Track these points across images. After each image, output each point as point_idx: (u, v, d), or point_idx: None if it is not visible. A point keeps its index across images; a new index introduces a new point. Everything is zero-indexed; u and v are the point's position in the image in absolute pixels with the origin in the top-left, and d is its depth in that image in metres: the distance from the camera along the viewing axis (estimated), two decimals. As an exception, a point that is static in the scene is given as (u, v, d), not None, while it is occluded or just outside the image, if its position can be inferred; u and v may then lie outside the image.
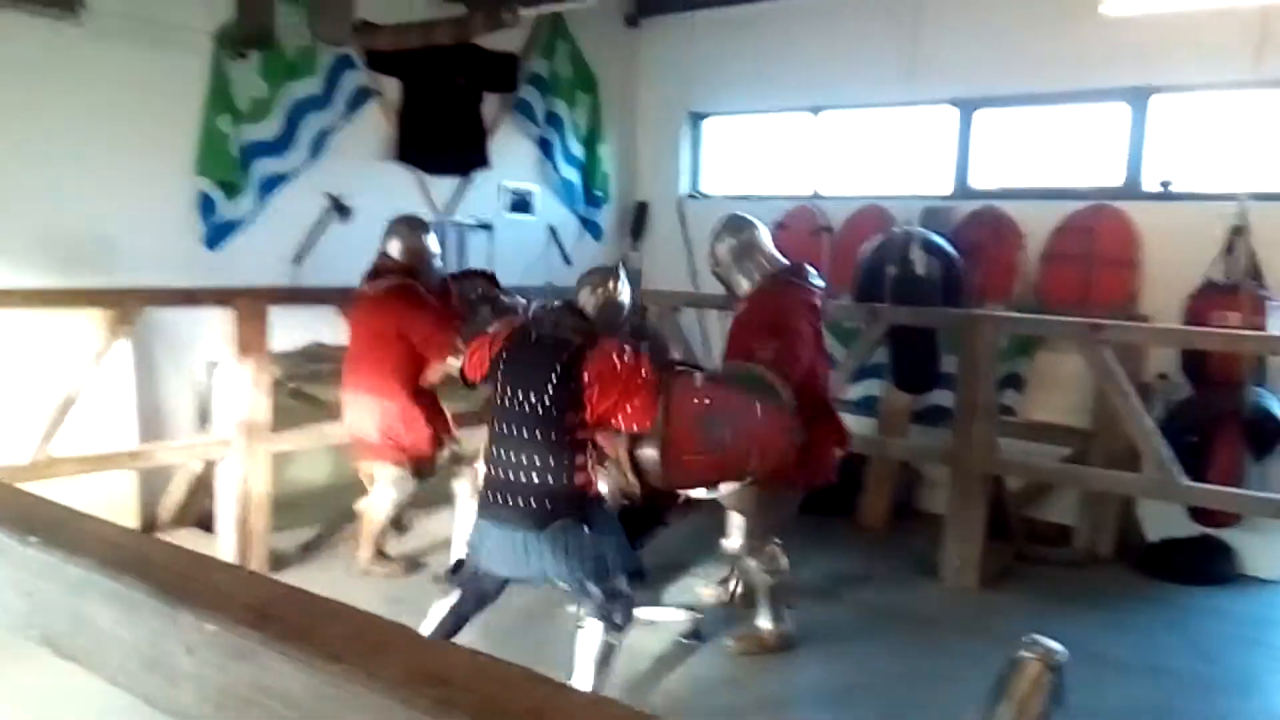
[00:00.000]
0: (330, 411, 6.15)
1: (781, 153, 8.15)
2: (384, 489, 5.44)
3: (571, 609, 4.59)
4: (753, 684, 4.40)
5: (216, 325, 5.39)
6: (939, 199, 6.91)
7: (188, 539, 5.67)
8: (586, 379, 3.66)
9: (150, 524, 5.72)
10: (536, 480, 3.68)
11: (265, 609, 0.93)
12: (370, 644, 0.88)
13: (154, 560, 1.07)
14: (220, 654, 0.94)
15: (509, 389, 3.76)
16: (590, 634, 3.81)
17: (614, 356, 3.72)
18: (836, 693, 4.32)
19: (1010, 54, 6.55)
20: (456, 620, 3.98)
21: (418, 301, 5.18)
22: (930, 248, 6.13)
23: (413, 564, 5.67)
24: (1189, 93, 6.20)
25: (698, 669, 4.50)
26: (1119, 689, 4.35)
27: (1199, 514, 5.64)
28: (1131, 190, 6.33)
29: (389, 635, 0.90)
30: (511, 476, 3.71)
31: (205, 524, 5.68)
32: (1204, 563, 5.79)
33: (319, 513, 6.19)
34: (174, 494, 5.79)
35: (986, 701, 3.32)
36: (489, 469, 3.82)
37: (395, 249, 5.37)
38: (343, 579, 5.42)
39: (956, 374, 5.59)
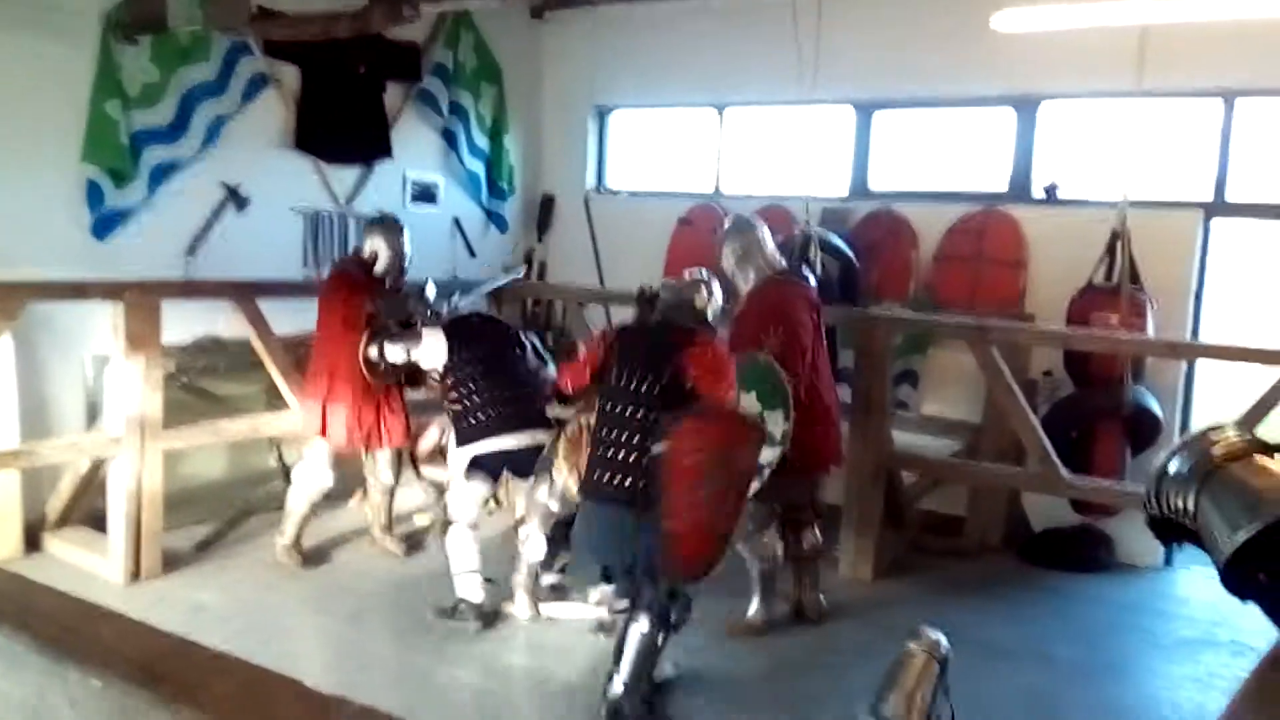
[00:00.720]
0: (225, 406, 6.04)
1: (685, 149, 8.22)
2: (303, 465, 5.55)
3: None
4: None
5: (105, 319, 5.22)
6: (838, 200, 7.06)
7: (78, 538, 5.52)
8: (695, 368, 4.00)
9: (37, 524, 5.52)
10: (635, 459, 3.95)
11: (153, 665, 0.93)
12: (259, 701, 0.89)
13: (39, 611, 1.05)
14: (107, 711, 0.94)
15: (622, 371, 4.08)
16: (641, 627, 3.96)
17: (719, 351, 4.18)
18: (730, 683, 4.41)
19: (906, 59, 6.74)
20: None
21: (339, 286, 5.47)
22: (829, 248, 6.26)
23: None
24: (1074, 100, 6.46)
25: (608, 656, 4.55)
26: (1006, 676, 4.54)
27: (1081, 505, 5.90)
28: (1019, 194, 6.58)
29: (278, 691, 0.90)
30: (618, 455, 3.99)
31: (96, 523, 5.51)
32: (1085, 551, 6.06)
33: (214, 509, 6.06)
34: (62, 493, 5.59)
35: (877, 692, 3.45)
36: (594, 449, 4.10)
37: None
38: (240, 579, 5.33)
39: (853, 370, 5.73)
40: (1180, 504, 1.32)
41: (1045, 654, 4.85)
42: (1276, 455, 1.26)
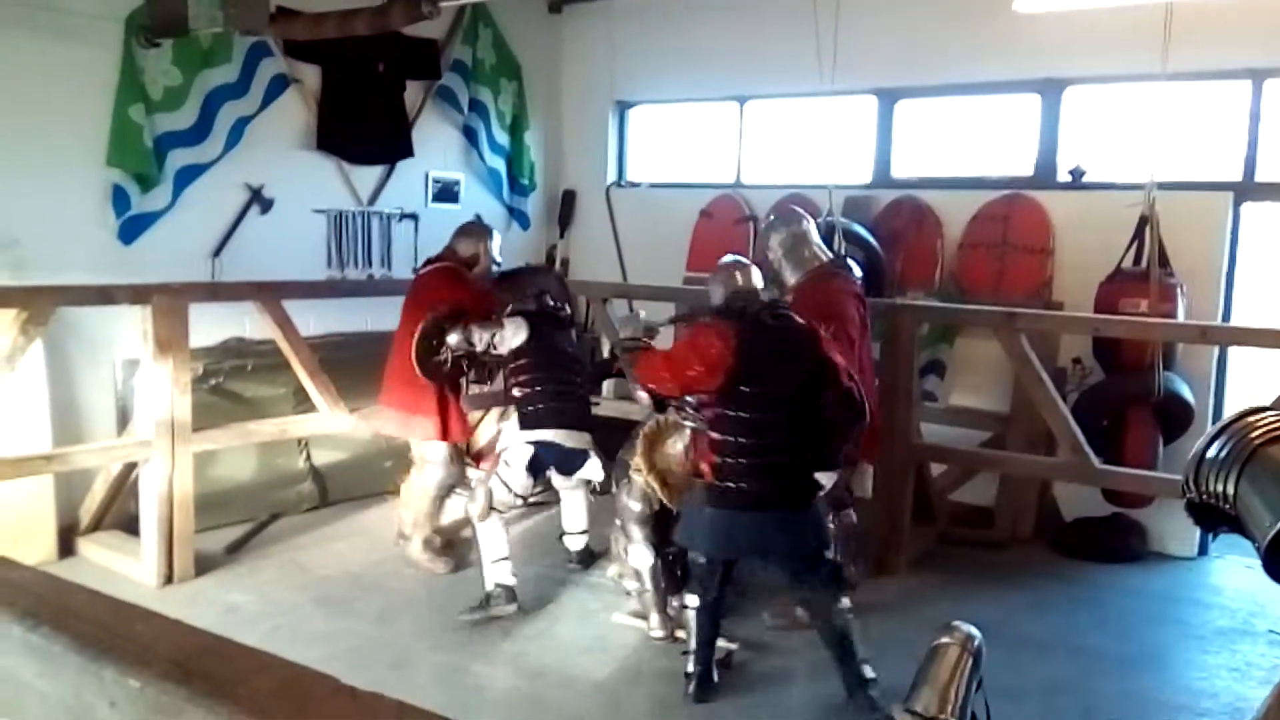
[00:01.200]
0: (253, 408, 6.08)
1: (706, 141, 8.19)
2: (421, 470, 5.62)
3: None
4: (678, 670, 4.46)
5: (134, 323, 5.27)
6: (861, 188, 7.02)
7: (111, 542, 5.58)
8: (833, 360, 4.07)
9: (71, 528, 5.59)
10: (791, 460, 4.02)
11: (189, 663, 0.93)
12: (297, 697, 0.89)
13: (75, 610, 1.06)
14: (145, 709, 0.94)
15: (758, 378, 3.99)
16: (848, 609, 4.12)
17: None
18: (763, 679, 4.40)
19: (928, 46, 6.68)
20: (714, 621, 4.22)
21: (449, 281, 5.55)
22: (852, 237, 6.23)
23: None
24: (1099, 85, 6.39)
25: (637, 655, 4.55)
26: (1038, 668, 4.50)
27: (1112, 494, 5.84)
28: (1045, 179, 6.51)
29: (315, 687, 0.90)
30: (766, 460, 3.99)
31: (128, 526, 5.57)
32: (1117, 541, 5.99)
33: (244, 511, 6.11)
34: (95, 497, 5.65)
35: (910, 687, 3.43)
36: (723, 460, 4.01)
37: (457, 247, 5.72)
38: (271, 580, 5.37)
39: (879, 361, 5.69)
40: (1220, 488, 1.30)
41: (1079, 645, 4.80)
42: (1320, 437, 1.24)
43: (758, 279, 4.39)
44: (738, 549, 4.21)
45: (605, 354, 7.48)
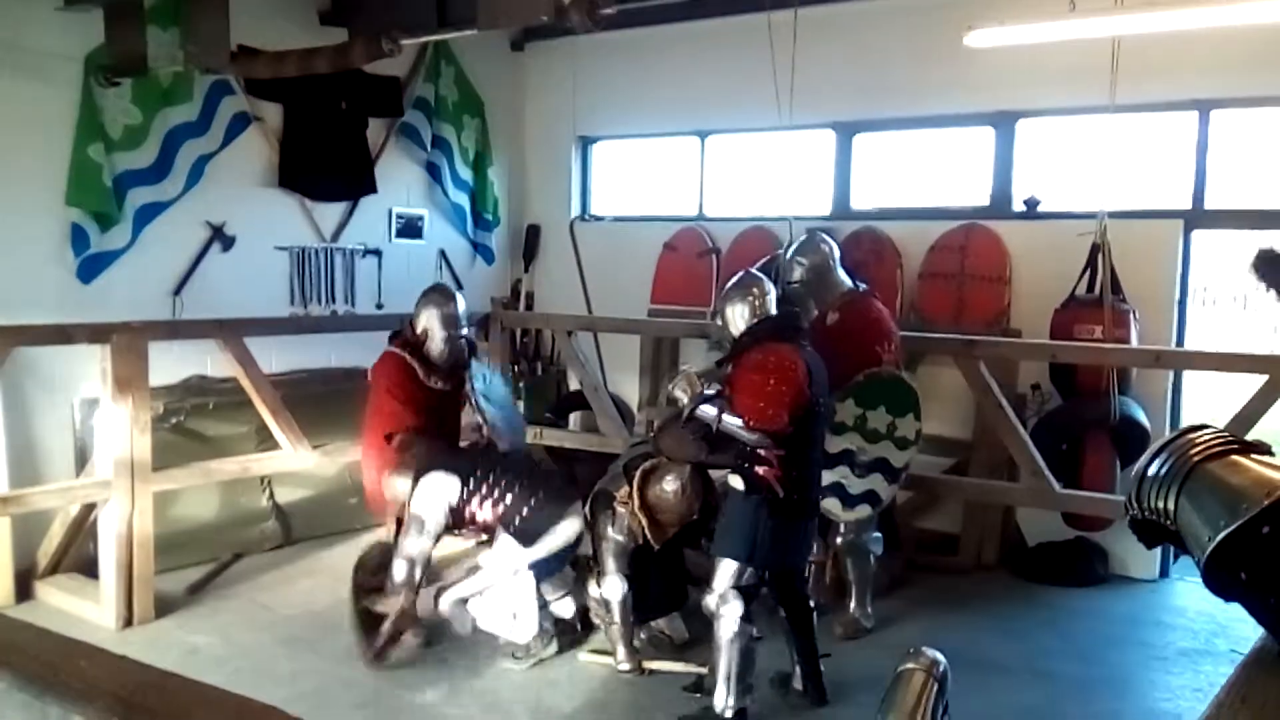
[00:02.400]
0: (215, 446, 6.03)
1: (669, 175, 8.27)
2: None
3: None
4: (654, 703, 4.44)
5: (93, 362, 5.21)
6: (821, 220, 7.10)
7: (69, 585, 5.49)
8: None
9: (28, 571, 5.49)
10: (821, 470, 4.44)
11: (132, 698, 0.93)
12: (242, 730, 0.88)
13: (21, 648, 1.05)
14: (89, 746, 0.93)
15: (818, 399, 4.25)
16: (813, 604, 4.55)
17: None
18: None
19: (883, 81, 6.81)
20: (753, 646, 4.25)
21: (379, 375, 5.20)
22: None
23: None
24: (1051, 117, 6.53)
25: (605, 689, 4.52)
26: (1004, 693, 4.52)
27: (1073, 518, 5.91)
28: (1000, 210, 6.63)
29: (261, 719, 0.90)
30: (815, 473, 4.39)
31: (87, 569, 5.48)
32: (1080, 565, 6.04)
33: (206, 551, 6.04)
34: (53, 539, 5.55)
35: (877, 713, 3.43)
36: (790, 473, 4.13)
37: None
38: (234, 621, 5.29)
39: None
40: (1161, 504, 1.32)
41: (1044, 670, 4.83)
42: (1253, 454, 1.27)
43: (773, 296, 4.43)
44: (796, 557, 4.44)
45: (572, 388, 7.51)
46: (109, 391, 5.10)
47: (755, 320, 4.29)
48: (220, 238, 6.54)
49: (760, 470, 4.12)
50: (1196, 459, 1.29)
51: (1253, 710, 0.99)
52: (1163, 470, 1.32)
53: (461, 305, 5.36)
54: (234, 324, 5.79)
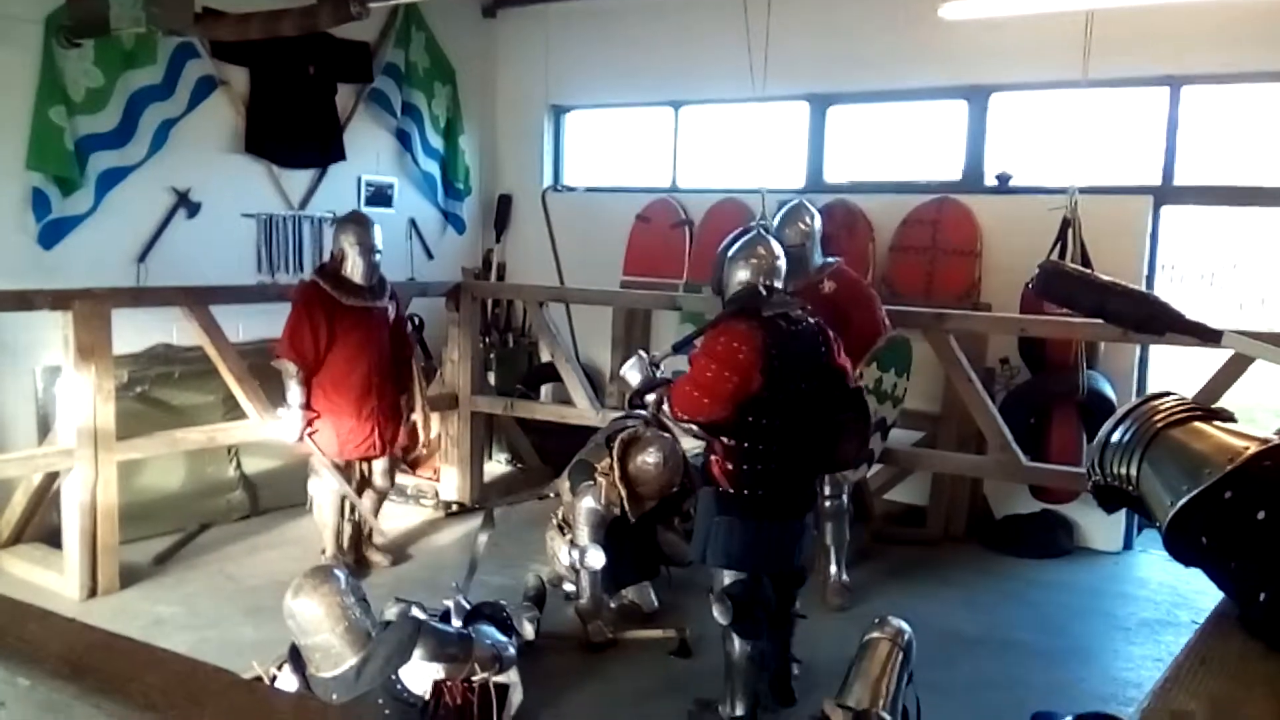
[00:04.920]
0: (181, 415, 5.96)
1: (642, 146, 8.22)
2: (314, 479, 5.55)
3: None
4: (623, 675, 4.45)
5: (55, 329, 5.13)
6: (793, 192, 7.08)
7: (32, 555, 5.44)
8: (842, 358, 4.00)
9: (-11, 541, 5.42)
10: (805, 466, 3.90)
11: (80, 660, 0.91)
12: (189, 692, 0.86)
13: (-37, 611, 1.02)
14: (34, 708, 0.91)
15: (783, 381, 3.72)
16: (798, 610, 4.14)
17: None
18: (698, 676, 4.40)
19: (857, 53, 6.78)
20: (762, 651, 3.92)
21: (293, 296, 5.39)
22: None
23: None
24: (1023, 91, 6.54)
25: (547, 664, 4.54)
26: (969, 662, 4.58)
27: (1040, 491, 5.97)
28: (973, 184, 6.64)
29: (209, 682, 0.88)
30: (791, 470, 3.82)
31: (50, 538, 5.42)
32: (1046, 537, 6.12)
33: (172, 521, 5.99)
34: (15, 509, 5.49)
35: (843, 682, 3.46)
36: (746, 466, 3.74)
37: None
38: (200, 591, 5.26)
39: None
40: (1123, 470, 1.33)
41: (1009, 640, 4.89)
42: (1215, 421, 1.28)
43: (783, 261, 3.98)
44: (777, 560, 3.91)
45: (544, 359, 7.47)
46: (71, 359, 5.03)
47: (742, 289, 3.88)
48: (185, 204, 6.44)
49: (713, 460, 3.82)
50: (1160, 425, 1.29)
51: (1211, 671, 0.99)
52: (1126, 437, 1.32)
53: (376, 229, 5.43)
54: (199, 291, 5.70)
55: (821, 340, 3.93)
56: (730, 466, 3.76)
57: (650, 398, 3.96)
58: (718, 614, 3.86)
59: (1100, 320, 1.92)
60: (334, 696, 3.42)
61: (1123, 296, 1.88)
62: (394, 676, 3.45)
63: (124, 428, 5.28)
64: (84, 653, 0.94)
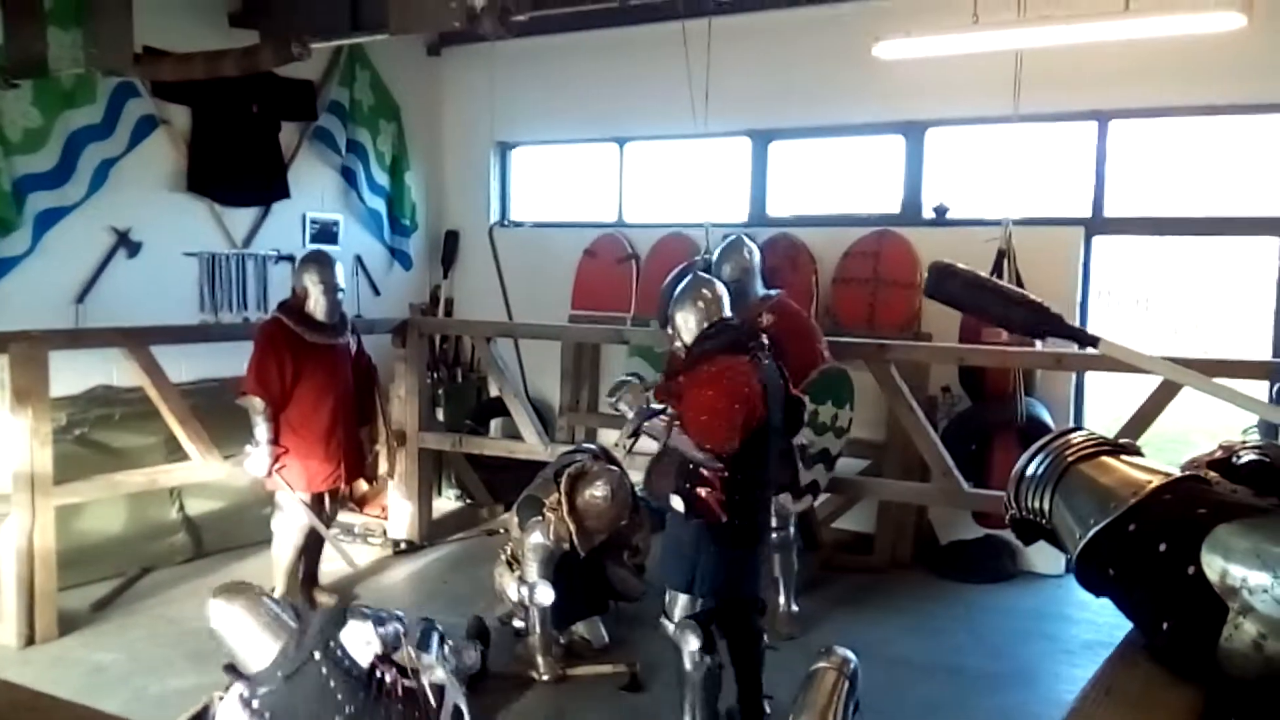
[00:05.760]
0: (122, 458, 5.86)
1: (588, 181, 8.28)
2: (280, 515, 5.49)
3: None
4: (574, 711, 4.44)
5: (-11, 372, 5.04)
6: (737, 226, 7.17)
7: (-35, 603, 5.27)
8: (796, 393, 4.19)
9: (-81, 591, 5.26)
10: (770, 494, 4.11)
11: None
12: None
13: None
14: (-42, 770, 0.91)
15: (768, 413, 3.93)
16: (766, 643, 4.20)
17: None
18: (650, 710, 4.40)
19: (797, 90, 6.92)
20: (720, 665, 3.99)
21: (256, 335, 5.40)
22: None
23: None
24: (957, 126, 6.71)
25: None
26: (915, 689, 4.62)
27: (983, 516, 6.06)
28: (911, 217, 6.78)
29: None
30: (763, 497, 4.05)
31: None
32: (990, 562, 6.20)
33: (113, 565, 5.87)
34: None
35: (791, 714, 3.48)
36: (734, 497, 3.84)
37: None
38: (142, 638, 5.15)
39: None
40: (1037, 504, 1.38)
41: (954, 665, 4.95)
42: (1123, 456, 1.33)
43: (727, 298, 4.11)
44: (745, 587, 4.04)
45: (493, 394, 7.46)
46: (7, 402, 4.94)
47: (709, 327, 3.97)
48: (126, 243, 6.37)
49: (701, 492, 3.85)
50: (1070, 460, 1.34)
51: (1115, 701, 1.04)
52: (1039, 470, 1.37)
53: (338, 267, 5.48)
54: (140, 332, 5.63)
55: (781, 372, 4.13)
56: (723, 497, 3.83)
57: (658, 425, 3.88)
58: (689, 640, 3.88)
59: (1005, 331, 2.00)
60: (279, 675, 3.45)
61: (1007, 300, 1.95)
62: (334, 644, 3.48)
63: (63, 471, 5.19)
64: (7, 712, 0.94)
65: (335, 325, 5.42)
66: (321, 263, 5.43)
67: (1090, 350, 2.00)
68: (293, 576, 5.46)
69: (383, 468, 6.22)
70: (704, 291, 4.06)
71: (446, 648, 4.00)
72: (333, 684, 3.45)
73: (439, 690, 3.68)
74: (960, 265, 2.11)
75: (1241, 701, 1.06)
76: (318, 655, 3.46)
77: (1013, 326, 2.01)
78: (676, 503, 3.92)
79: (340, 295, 5.42)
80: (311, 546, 5.60)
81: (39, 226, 5.90)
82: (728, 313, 4.06)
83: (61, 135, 5.97)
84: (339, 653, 3.48)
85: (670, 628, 3.96)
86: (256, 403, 5.18)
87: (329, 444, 5.36)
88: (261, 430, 5.20)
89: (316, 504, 5.50)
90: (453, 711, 3.75)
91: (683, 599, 3.94)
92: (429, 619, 4.20)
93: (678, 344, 4.09)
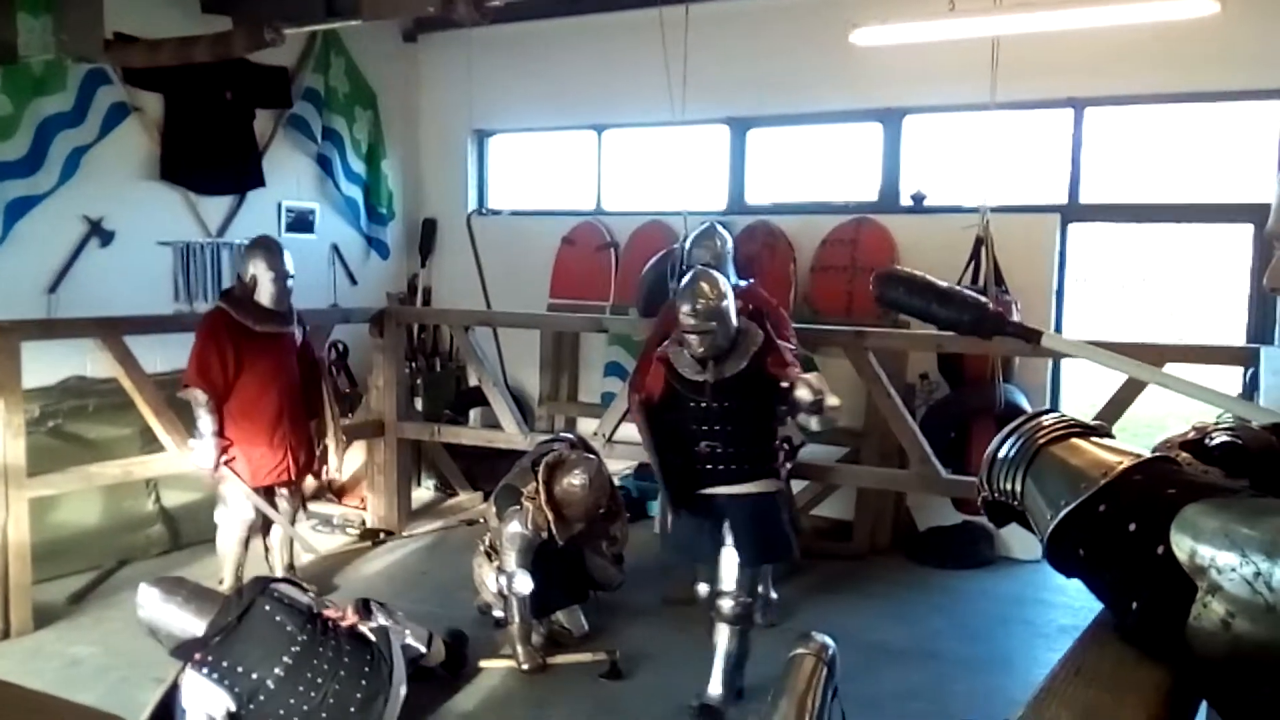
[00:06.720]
0: (97, 450, 5.81)
1: (566, 169, 8.26)
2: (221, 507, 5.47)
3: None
4: (555, 699, 4.44)
5: (-40, 364, 4.98)
6: (716, 214, 7.17)
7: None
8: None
9: (-110, 584, 5.20)
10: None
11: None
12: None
13: None
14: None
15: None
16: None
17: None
18: (630, 698, 4.42)
19: (774, 78, 6.91)
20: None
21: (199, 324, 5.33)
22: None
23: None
24: (935, 114, 6.72)
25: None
26: (894, 674, 4.64)
27: (961, 503, 6.09)
28: (888, 204, 6.80)
29: (101, 728, 0.87)
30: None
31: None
32: (968, 548, 6.24)
33: (89, 558, 5.83)
34: (-81, 549, 5.29)
35: (769, 699, 3.50)
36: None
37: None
38: (118, 630, 5.11)
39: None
40: (1009, 486, 1.38)
41: (933, 650, 4.98)
42: (1093, 438, 1.34)
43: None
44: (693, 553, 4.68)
45: (471, 383, 7.43)
46: (-23, 394, 4.88)
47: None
48: (98, 233, 6.31)
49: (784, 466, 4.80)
50: (1041, 442, 1.34)
51: (1085, 681, 1.04)
52: (1011, 453, 1.37)
53: (287, 255, 5.36)
54: (113, 322, 5.58)
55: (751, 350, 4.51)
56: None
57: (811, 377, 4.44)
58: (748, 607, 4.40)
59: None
60: (230, 619, 3.76)
61: (950, 302, 1.95)
62: (273, 588, 3.93)
63: (36, 463, 5.14)
64: (-32, 703, 0.92)
65: (284, 314, 5.34)
66: (270, 249, 5.32)
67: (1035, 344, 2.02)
68: (238, 568, 5.41)
69: (332, 461, 6.07)
70: (706, 289, 4.35)
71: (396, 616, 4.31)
72: (279, 617, 3.80)
73: (383, 633, 4.01)
74: (904, 270, 2.12)
75: (1209, 679, 1.07)
76: (260, 598, 3.83)
77: (961, 328, 2.01)
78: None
79: (290, 283, 5.32)
80: (282, 539, 5.56)
81: (10, 216, 5.84)
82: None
83: (32, 123, 5.91)
84: (278, 594, 3.89)
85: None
86: (198, 395, 5.13)
87: (274, 435, 5.29)
88: (205, 422, 5.13)
89: (266, 498, 5.44)
90: (404, 649, 4.05)
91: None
92: (366, 598, 4.38)
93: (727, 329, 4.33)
